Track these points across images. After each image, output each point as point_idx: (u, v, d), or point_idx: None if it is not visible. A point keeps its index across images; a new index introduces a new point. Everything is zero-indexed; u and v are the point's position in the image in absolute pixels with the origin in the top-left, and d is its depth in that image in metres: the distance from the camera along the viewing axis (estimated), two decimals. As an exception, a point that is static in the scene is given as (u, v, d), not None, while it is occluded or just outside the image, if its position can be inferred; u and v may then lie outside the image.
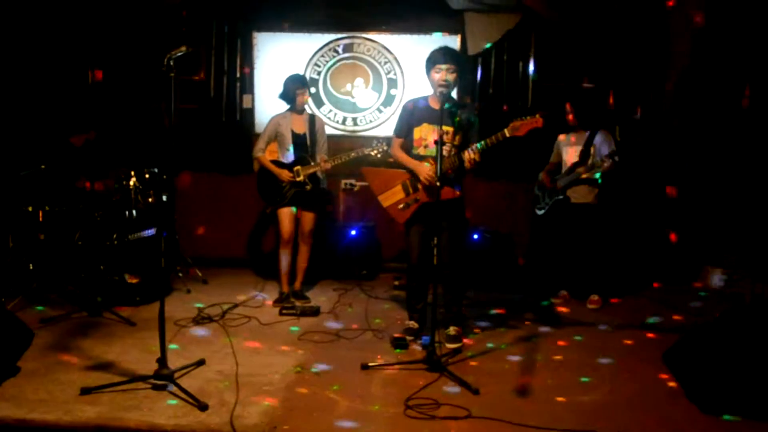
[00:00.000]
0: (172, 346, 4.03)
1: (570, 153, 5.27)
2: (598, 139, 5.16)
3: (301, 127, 5.07)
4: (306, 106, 5.19)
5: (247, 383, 3.44)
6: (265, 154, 5.06)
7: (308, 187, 4.98)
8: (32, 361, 3.66)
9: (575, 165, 5.18)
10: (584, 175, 5.12)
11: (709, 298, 5.60)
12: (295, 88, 4.99)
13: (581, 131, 5.25)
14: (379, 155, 4.84)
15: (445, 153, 3.95)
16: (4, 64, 6.10)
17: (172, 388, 3.29)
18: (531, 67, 6.35)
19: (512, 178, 6.38)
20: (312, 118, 5.14)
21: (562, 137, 5.39)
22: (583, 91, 6.10)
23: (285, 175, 4.97)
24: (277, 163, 5.03)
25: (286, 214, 5.04)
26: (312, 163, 4.99)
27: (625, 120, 6.12)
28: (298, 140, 5.04)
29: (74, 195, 5.24)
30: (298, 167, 4.97)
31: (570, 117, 5.26)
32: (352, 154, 4.91)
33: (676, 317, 5.00)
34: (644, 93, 6.26)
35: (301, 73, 6.28)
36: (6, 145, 5.87)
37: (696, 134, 6.11)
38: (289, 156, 5.02)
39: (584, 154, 5.15)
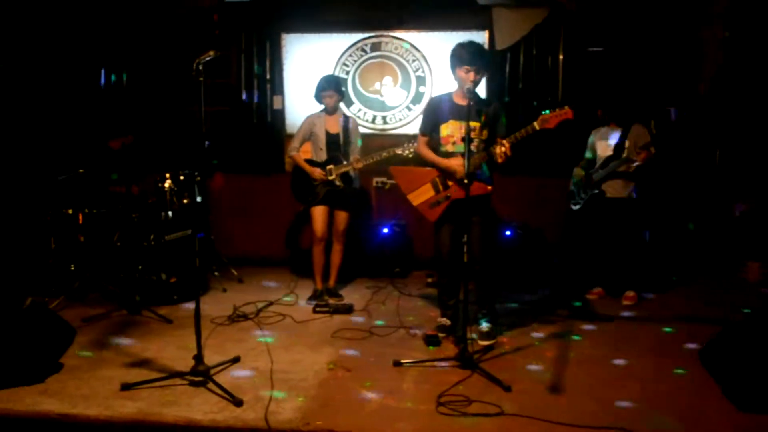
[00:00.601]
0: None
1: (605, 147, 5.21)
2: (633, 132, 5.09)
3: (335, 127, 5.12)
4: (341, 106, 5.24)
5: (281, 379, 3.49)
6: (299, 153, 5.13)
7: (340, 186, 5.03)
8: (74, 357, 3.78)
9: (610, 159, 5.13)
10: (619, 169, 5.06)
11: (748, 293, 5.48)
12: (320, 90, 5.05)
13: (615, 125, 5.20)
14: (410, 155, 4.85)
15: (473, 149, 3.95)
16: (42, 71, 6.29)
17: (209, 384, 3.36)
18: (560, 62, 6.29)
19: (543, 174, 6.32)
20: (346, 119, 5.19)
21: (596, 131, 5.34)
22: (613, 87, 6.02)
23: (317, 173, 5.03)
24: (311, 163, 5.10)
25: (319, 212, 5.09)
26: (344, 163, 5.04)
27: (659, 114, 6.02)
28: (331, 140, 5.09)
29: (112, 197, 5.37)
30: (331, 166, 5.03)
31: (599, 113, 5.22)
32: (384, 153, 4.93)
33: (713, 313, 4.89)
34: (679, 85, 6.15)
35: (330, 73, 6.33)
36: (46, 150, 6.05)
37: (732, 127, 6.00)
38: (323, 155, 5.08)
39: (619, 148, 5.09)
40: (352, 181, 5.15)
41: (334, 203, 5.12)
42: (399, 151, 4.88)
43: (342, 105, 5.31)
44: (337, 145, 5.10)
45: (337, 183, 5.04)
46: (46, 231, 5.26)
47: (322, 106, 5.13)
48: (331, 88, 5.04)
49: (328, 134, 5.08)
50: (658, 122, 5.83)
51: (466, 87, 3.91)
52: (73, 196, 5.21)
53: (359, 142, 5.21)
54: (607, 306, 5.10)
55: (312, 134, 5.11)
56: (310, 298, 5.19)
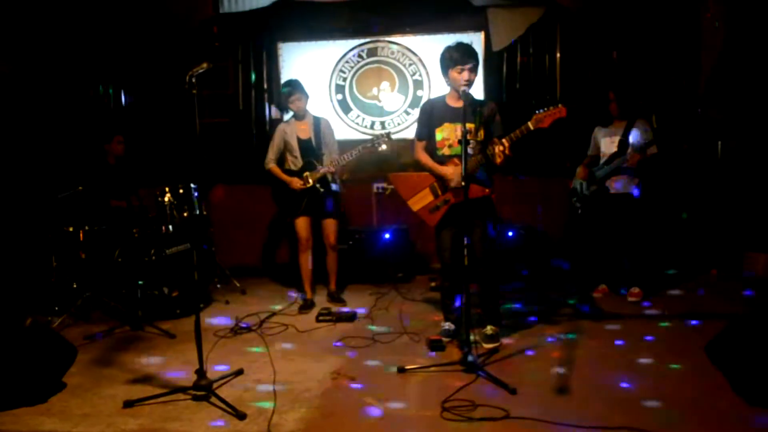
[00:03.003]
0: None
1: (608, 143, 5.18)
2: (637, 128, 5.06)
3: (306, 132, 5.07)
4: (308, 109, 5.11)
5: (284, 391, 3.46)
6: (275, 164, 5.08)
7: (321, 191, 5.00)
8: (77, 376, 3.76)
9: (614, 156, 5.09)
10: (624, 165, 5.02)
11: (753, 286, 5.42)
12: (288, 96, 4.98)
13: (618, 121, 5.16)
14: (385, 147, 4.82)
15: (470, 150, 3.92)
16: (38, 89, 6.30)
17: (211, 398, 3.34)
18: (557, 60, 6.26)
19: (545, 174, 6.29)
20: (317, 121, 5.12)
21: (599, 128, 5.30)
22: (622, 79, 5.98)
23: (295, 182, 4.99)
24: (288, 172, 5.06)
25: (302, 221, 5.08)
26: (319, 167, 5.00)
27: (659, 109, 5.98)
28: (304, 146, 5.04)
29: (112, 213, 5.37)
30: (307, 173, 4.98)
31: (613, 106, 5.16)
32: (356, 152, 4.89)
33: (719, 307, 4.85)
34: (677, 81, 6.12)
35: (327, 80, 6.33)
36: (46, 168, 6.05)
37: (733, 121, 5.95)
38: (298, 163, 5.04)
39: (623, 144, 5.05)
40: (329, 184, 5.08)
41: (319, 213, 5.09)
42: (370, 146, 4.87)
43: (308, 107, 5.15)
44: (310, 150, 5.04)
45: (320, 190, 5.00)
46: (47, 249, 5.25)
47: (290, 114, 5.07)
48: (298, 91, 4.97)
49: (299, 140, 5.03)
50: (658, 117, 5.83)
51: (462, 89, 3.88)
52: (73, 214, 5.20)
53: (336, 142, 5.14)
54: (612, 303, 5.06)
55: (285, 143, 5.06)
56: (301, 308, 5.14)
